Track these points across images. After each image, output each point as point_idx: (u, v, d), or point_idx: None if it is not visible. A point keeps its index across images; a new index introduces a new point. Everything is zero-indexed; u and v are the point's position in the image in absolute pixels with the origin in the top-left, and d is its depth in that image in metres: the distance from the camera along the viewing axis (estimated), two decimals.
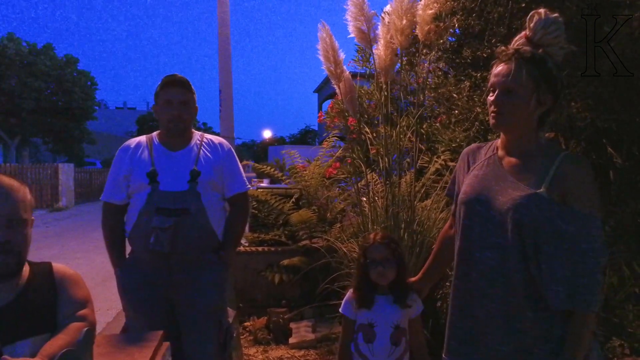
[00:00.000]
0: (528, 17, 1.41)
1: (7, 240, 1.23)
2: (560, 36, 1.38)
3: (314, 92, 33.48)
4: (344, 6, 3.15)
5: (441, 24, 3.09)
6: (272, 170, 4.98)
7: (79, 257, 6.51)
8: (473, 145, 1.60)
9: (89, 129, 25.36)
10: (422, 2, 3.03)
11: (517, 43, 1.42)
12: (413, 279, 1.85)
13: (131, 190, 2.11)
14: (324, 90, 30.72)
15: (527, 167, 1.38)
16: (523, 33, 1.43)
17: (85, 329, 1.16)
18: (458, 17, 3.00)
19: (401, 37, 2.96)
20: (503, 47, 1.45)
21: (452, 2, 2.99)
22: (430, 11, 3.03)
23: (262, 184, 6.64)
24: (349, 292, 1.88)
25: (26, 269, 1.36)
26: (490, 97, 1.42)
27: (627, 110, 2.34)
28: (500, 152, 1.47)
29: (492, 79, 1.43)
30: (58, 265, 1.42)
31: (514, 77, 1.35)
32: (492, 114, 1.41)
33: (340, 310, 1.88)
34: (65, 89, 22.56)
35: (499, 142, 1.50)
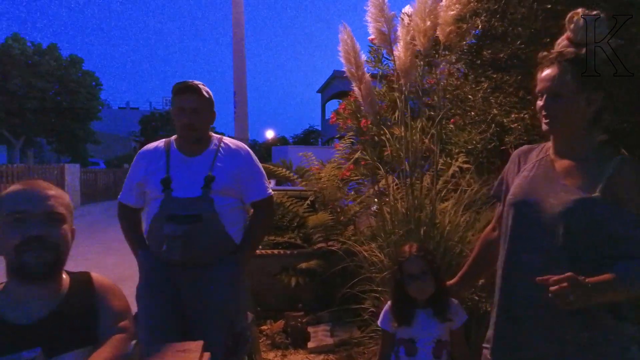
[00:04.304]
0: (567, 18, 1.39)
1: (42, 234, 1.22)
2: (602, 33, 1.36)
3: (317, 92, 33.40)
4: (365, 7, 3.12)
5: (463, 26, 3.06)
6: (287, 172, 4.95)
7: (89, 259, 6.49)
8: (524, 147, 1.58)
9: (92, 129, 25.39)
10: (444, 4, 3.00)
11: (560, 45, 1.41)
12: (450, 282, 1.81)
13: (148, 197, 2.11)
14: (328, 90, 30.66)
15: (581, 170, 1.35)
16: (565, 35, 1.41)
17: (134, 341, 1.13)
18: (482, 18, 2.98)
19: (424, 38, 2.93)
20: (545, 52, 1.43)
21: (475, 4, 2.96)
22: (452, 12, 3.00)
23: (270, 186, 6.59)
24: (387, 305, 1.84)
25: (66, 278, 1.34)
26: (540, 102, 1.41)
27: (632, 111, 2.32)
28: (553, 154, 1.44)
29: (538, 85, 1.42)
30: (97, 275, 1.40)
31: (560, 80, 1.34)
32: (544, 120, 1.39)
33: (378, 323, 1.84)
34: (69, 89, 22.58)
35: (550, 143, 1.47)
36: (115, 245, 7.12)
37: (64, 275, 1.34)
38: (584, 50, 1.35)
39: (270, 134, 38.91)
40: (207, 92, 2.13)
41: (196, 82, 2.10)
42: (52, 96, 22.49)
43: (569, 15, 1.39)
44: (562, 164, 1.40)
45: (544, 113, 1.38)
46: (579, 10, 1.39)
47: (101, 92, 25.32)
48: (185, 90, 2.08)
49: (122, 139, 40.49)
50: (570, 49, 1.37)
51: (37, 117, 21.49)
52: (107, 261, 6.44)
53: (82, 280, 1.35)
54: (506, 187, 1.56)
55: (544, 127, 1.39)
